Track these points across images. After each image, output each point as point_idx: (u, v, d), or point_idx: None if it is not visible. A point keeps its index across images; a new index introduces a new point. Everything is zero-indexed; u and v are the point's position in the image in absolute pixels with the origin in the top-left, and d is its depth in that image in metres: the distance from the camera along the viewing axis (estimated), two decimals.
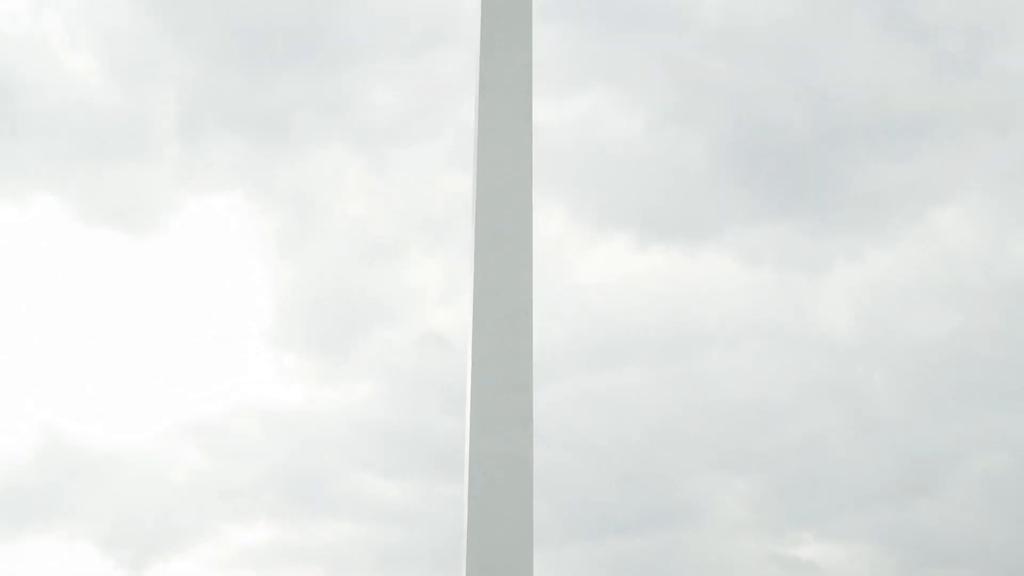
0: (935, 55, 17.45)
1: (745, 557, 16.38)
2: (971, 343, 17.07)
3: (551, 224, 16.72)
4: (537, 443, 6.57)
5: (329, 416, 17.18)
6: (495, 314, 6.71)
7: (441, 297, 17.10)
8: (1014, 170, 17.41)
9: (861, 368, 17.28)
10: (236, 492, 16.88)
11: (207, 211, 17.59)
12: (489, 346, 6.66)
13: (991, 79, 17.39)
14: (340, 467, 17.03)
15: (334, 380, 17.44)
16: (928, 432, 16.88)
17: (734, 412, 16.87)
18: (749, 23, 17.48)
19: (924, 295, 17.33)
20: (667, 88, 17.62)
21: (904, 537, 16.42)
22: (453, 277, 16.57)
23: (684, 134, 17.59)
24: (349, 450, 17.05)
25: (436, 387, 16.46)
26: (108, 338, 17.13)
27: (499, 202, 6.89)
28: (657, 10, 17.40)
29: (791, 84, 17.60)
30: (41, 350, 17.01)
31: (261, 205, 17.79)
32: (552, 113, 16.40)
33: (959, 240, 17.67)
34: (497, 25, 7.19)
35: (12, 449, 16.78)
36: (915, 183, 17.50)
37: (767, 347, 17.27)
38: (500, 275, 6.77)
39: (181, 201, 17.57)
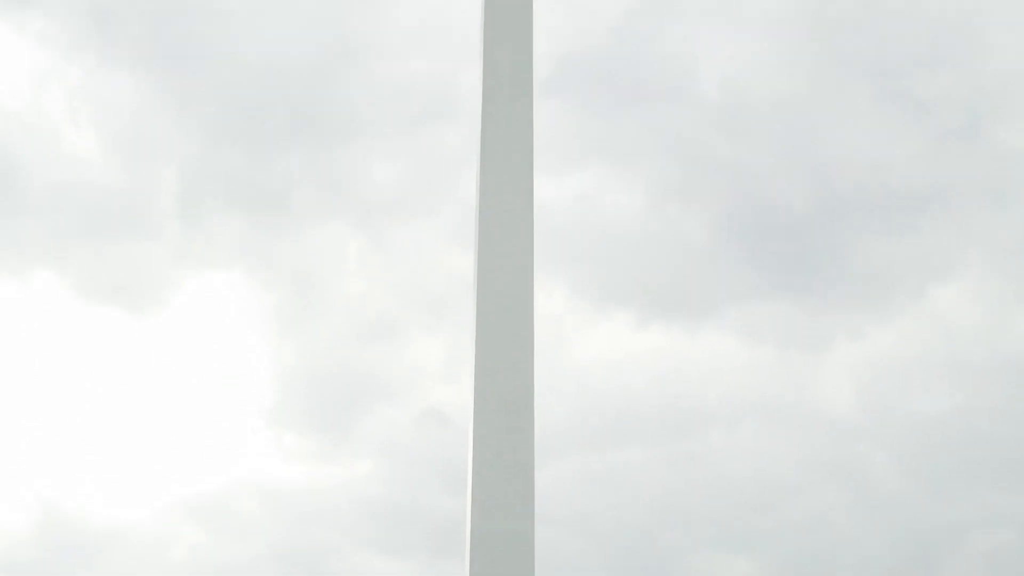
0: (934, 131, 17.49)
1: None
2: (973, 420, 17.00)
3: (552, 302, 16.70)
4: (538, 522, 6.51)
5: (329, 494, 17.10)
6: (496, 392, 6.67)
7: (442, 374, 17.06)
8: (1014, 246, 17.41)
9: (863, 446, 17.21)
10: (236, 570, 16.76)
11: (207, 288, 17.59)
12: (490, 424, 6.62)
13: (990, 155, 17.42)
14: (340, 545, 16.94)
15: (334, 458, 17.38)
16: (931, 510, 16.79)
17: (736, 490, 16.78)
18: (749, 100, 17.54)
19: (925, 372, 17.29)
20: (667, 165, 17.66)
21: None
22: (454, 354, 16.53)
23: (684, 211, 17.60)
24: (349, 528, 16.96)
25: (437, 465, 16.40)
26: (108, 415, 17.09)
27: (500, 279, 6.86)
28: (657, 87, 17.46)
29: (791, 160, 17.63)
30: (41, 426, 16.96)
31: (261, 282, 17.79)
32: (553, 190, 16.42)
33: (960, 316, 17.65)
34: (498, 101, 7.19)
35: (11, 525, 16.71)
36: (915, 259, 17.50)
37: (768, 425, 17.21)
38: (501, 352, 6.74)
39: (181, 278, 17.57)
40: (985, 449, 16.83)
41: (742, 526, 16.63)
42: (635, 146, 17.63)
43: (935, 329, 17.50)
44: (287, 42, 17.31)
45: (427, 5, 17.28)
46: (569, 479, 16.41)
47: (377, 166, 17.53)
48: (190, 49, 17.29)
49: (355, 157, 17.49)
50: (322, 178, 17.44)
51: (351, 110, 17.38)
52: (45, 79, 17.37)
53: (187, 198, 17.29)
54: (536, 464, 6.59)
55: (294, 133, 17.38)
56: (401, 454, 17.05)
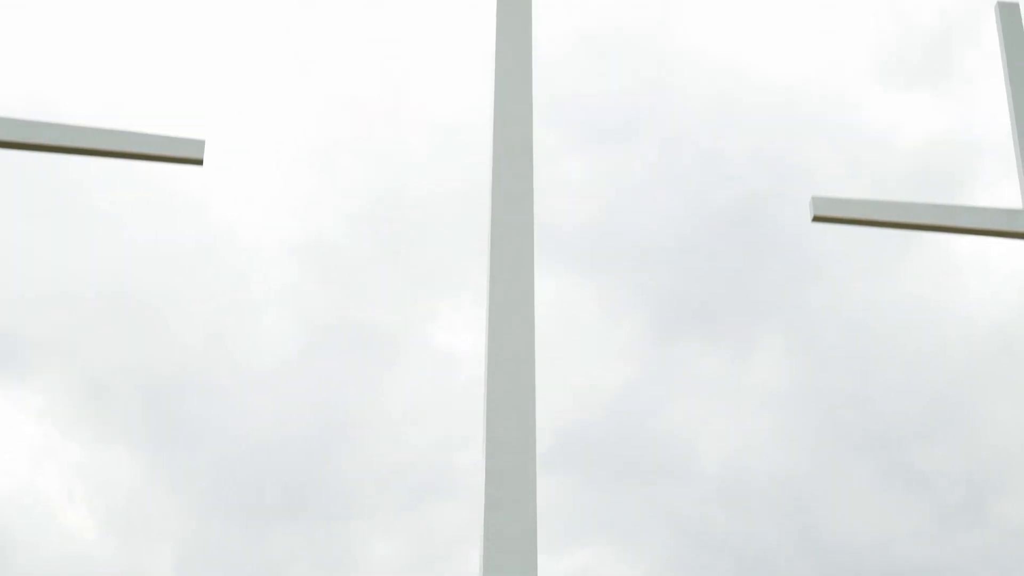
0: (936, 505, 17.55)
1: None
2: None
3: None
4: None
5: None
6: None
7: None
8: None
9: None
10: None
11: None
12: None
13: (993, 529, 17.44)
14: None
15: None
16: None
17: None
18: (749, 474, 17.62)
19: None
20: (668, 541, 17.64)
21: None
22: None
23: None
24: None
25: None
26: None
27: None
28: (657, 462, 17.57)
29: (792, 536, 17.62)
30: None
31: None
32: (554, 568, 16.40)
33: None
34: (501, 480, 7.22)
35: None
36: None
37: None
38: None
39: None
40: None
41: None
42: (635, 522, 17.65)
43: None
44: (283, 417, 17.49)
45: (428, 377, 17.55)
46: None
47: (376, 543, 17.51)
48: (185, 424, 17.46)
49: (353, 534, 17.48)
50: (319, 554, 17.41)
51: (348, 486, 17.44)
52: (41, 455, 17.49)
53: (182, 575, 17.23)
54: None
55: (290, 509, 17.40)
56: None
